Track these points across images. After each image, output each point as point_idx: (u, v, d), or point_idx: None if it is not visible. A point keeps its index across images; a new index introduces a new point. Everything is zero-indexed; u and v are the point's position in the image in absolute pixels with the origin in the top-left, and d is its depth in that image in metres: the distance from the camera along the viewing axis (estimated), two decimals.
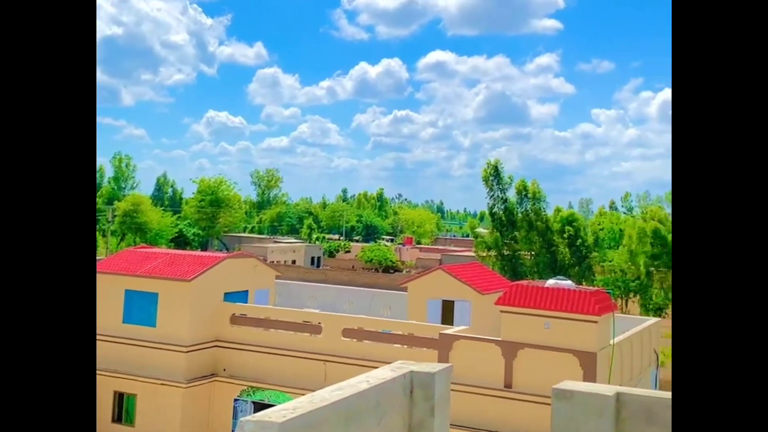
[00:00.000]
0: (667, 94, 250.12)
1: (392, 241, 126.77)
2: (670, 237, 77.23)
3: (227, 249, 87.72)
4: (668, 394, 4.94)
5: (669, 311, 70.85)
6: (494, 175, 74.42)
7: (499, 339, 20.80)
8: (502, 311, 20.88)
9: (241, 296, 26.90)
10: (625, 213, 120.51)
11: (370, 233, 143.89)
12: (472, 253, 78.29)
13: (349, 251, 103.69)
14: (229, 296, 25.97)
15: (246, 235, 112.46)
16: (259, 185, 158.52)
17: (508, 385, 20.45)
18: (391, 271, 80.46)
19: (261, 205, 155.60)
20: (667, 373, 36.82)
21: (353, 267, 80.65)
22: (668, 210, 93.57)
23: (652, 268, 76.99)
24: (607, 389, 4.96)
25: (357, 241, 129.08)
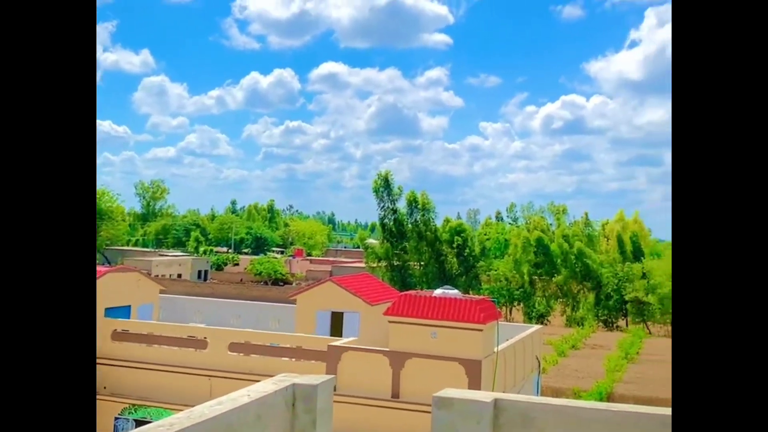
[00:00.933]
0: (549, 108, 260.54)
1: (282, 253, 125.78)
2: (552, 246, 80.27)
3: (109, 263, 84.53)
4: (544, 399, 5.10)
5: (551, 318, 73.56)
6: (385, 187, 75.35)
7: (387, 349, 20.97)
8: (390, 321, 21.07)
9: (124, 311, 26.02)
10: (510, 223, 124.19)
11: (259, 245, 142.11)
12: (362, 264, 78.75)
13: (237, 264, 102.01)
14: (111, 312, 25.06)
15: (129, 248, 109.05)
16: (144, 197, 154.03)
17: (395, 395, 20.64)
18: (281, 283, 79.79)
19: (146, 217, 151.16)
20: (548, 379, 38.14)
21: (242, 280, 79.41)
22: (550, 220, 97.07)
23: (535, 277, 79.81)
24: (485, 396, 5.08)
25: (246, 253, 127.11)
